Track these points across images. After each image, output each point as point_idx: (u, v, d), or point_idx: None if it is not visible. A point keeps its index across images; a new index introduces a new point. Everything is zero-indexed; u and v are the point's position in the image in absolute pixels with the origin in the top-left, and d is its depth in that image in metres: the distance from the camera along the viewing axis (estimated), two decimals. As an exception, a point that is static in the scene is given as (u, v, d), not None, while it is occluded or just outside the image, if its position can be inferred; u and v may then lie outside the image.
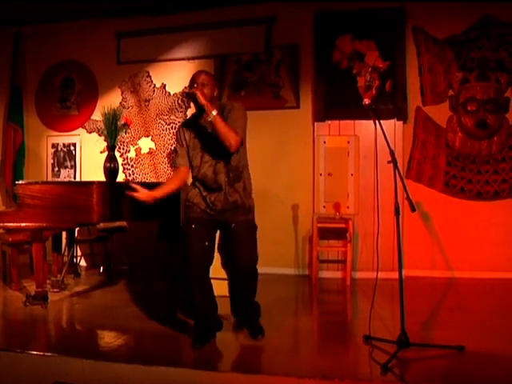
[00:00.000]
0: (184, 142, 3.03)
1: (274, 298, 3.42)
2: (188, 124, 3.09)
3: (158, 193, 2.98)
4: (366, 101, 3.00)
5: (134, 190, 2.92)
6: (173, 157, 3.11)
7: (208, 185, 2.97)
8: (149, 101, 5.92)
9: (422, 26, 5.19)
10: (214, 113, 2.76)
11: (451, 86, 5.18)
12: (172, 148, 5.81)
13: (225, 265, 3.55)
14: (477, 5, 5.02)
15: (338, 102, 5.33)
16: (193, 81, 2.93)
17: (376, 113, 3.00)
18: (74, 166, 6.18)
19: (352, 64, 5.32)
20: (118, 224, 5.35)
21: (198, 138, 2.99)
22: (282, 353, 2.93)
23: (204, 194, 2.98)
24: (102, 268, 5.44)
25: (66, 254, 5.11)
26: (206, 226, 3.02)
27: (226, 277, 3.49)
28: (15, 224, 3.80)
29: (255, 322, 3.19)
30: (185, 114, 5.78)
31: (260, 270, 3.13)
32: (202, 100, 2.77)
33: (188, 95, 2.90)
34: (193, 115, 3.11)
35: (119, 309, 3.97)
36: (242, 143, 2.95)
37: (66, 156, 6.22)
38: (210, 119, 2.77)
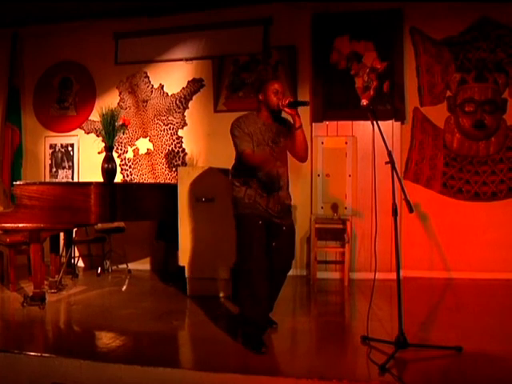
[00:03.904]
0: (250, 131, 3.06)
1: (272, 299, 3.43)
2: (255, 119, 3.13)
3: None
4: (364, 101, 3.01)
5: None
6: (236, 142, 3.07)
7: (269, 185, 3.04)
8: (147, 101, 5.92)
9: (420, 27, 5.21)
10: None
11: (449, 86, 5.19)
12: (170, 149, 5.81)
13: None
14: (474, 6, 5.04)
15: (335, 103, 5.34)
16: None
17: (374, 113, 3.00)
18: (71, 167, 6.18)
19: (350, 65, 5.33)
20: (115, 224, 5.35)
21: (268, 135, 3.08)
22: (280, 353, 2.93)
23: (264, 194, 3.05)
24: (99, 269, 5.44)
25: (63, 254, 5.11)
26: (265, 225, 3.08)
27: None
28: (13, 225, 3.79)
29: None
30: (183, 114, 5.78)
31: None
32: (296, 114, 2.98)
33: (301, 103, 3.09)
34: (261, 113, 3.15)
35: (117, 310, 3.97)
36: None
37: (64, 157, 6.21)
38: (297, 128, 2.99)
